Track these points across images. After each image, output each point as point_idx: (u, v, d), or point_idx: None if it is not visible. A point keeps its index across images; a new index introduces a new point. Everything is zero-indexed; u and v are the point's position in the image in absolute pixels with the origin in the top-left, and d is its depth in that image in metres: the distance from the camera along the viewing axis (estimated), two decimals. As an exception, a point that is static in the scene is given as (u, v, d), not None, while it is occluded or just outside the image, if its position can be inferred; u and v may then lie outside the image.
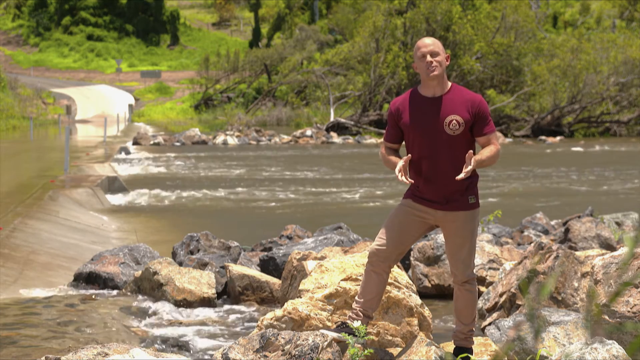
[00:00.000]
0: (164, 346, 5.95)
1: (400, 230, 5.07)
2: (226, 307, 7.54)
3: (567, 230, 9.37)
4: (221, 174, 22.46)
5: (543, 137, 41.01)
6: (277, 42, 75.39)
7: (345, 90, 48.72)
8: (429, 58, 5.01)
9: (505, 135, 41.86)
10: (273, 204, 15.91)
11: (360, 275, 5.59)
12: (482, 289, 7.50)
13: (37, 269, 8.54)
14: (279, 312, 5.52)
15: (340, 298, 5.57)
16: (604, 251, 6.85)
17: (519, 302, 6.44)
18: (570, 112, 44.36)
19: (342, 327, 5.11)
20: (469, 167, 4.87)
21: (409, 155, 5.07)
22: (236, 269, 7.81)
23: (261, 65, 65.80)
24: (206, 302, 7.44)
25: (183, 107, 65.87)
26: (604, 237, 9.12)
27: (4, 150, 26.31)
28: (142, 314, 7.06)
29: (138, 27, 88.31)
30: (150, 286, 7.55)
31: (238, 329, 6.84)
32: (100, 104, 64.34)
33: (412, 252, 8.25)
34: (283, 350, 4.76)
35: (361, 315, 5.14)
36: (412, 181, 4.99)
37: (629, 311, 5.13)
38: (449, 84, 5.10)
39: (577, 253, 6.69)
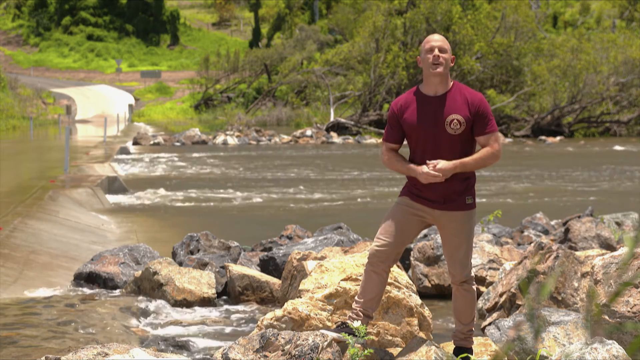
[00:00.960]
0: (163, 346, 5.95)
1: (400, 230, 5.07)
2: (226, 307, 7.55)
3: (567, 230, 9.36)
4: (221, 174, 22.46)
5: (543, 137, 41.01)
6: (277, 42, 75.33)
7: (345, 90, 48.70)
8: (436, 52, 5.01)
9: (506, 135, 41.87)
10: (273, 204, 15.91)
11: (360, 275, 5.59)
12: (482, 289, 7.50)
13: (37, 269, 8.53)
14: (279, 312, 5.51)
15: (340, 298, 5.57)
16: (604, 251, 6.84)
17: (519, 302, 6.44)
18: (570, 112, 44.35)
19: (342, 327, 5.11)
20: (441, 163, 4.89)
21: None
22: (236, 269, 7.81)
23: (261, 65, 65.77)
24: (206, 302, 7.45)
25: (183, 107, 65.83)
26: (604, 237, 9.12)
27: (4, 150, 26.31)
28: (142, 314, 7.06)
29: (138, 27, 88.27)
30: (150, 286, 7.55)
31: (238, 329, 6.85)
32: (100, 104, 64.29)
33: (412, 252, 8.25)
34: (283, 350, 4.76)
35: (361, 315, 5.14)
36: (441, 175, 4.97)
37: (629, 311, 5.13)
38: (451, 82, 5.10)
39: (577, 253, 6.68)
